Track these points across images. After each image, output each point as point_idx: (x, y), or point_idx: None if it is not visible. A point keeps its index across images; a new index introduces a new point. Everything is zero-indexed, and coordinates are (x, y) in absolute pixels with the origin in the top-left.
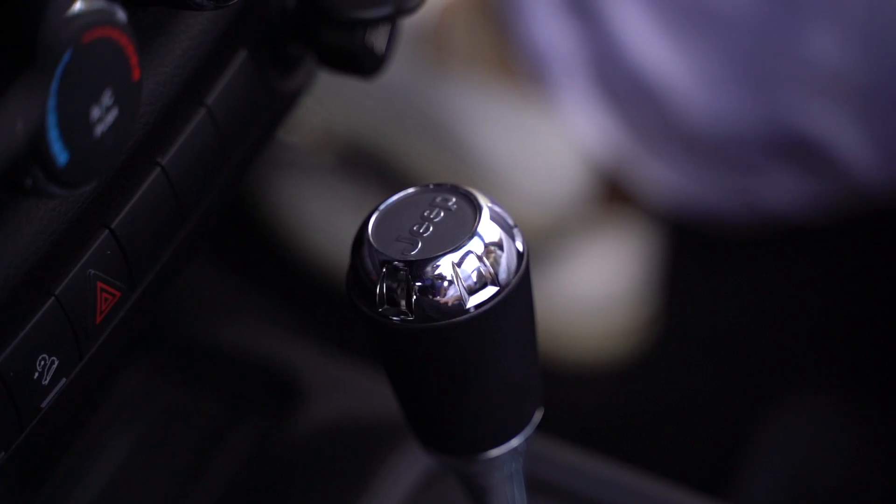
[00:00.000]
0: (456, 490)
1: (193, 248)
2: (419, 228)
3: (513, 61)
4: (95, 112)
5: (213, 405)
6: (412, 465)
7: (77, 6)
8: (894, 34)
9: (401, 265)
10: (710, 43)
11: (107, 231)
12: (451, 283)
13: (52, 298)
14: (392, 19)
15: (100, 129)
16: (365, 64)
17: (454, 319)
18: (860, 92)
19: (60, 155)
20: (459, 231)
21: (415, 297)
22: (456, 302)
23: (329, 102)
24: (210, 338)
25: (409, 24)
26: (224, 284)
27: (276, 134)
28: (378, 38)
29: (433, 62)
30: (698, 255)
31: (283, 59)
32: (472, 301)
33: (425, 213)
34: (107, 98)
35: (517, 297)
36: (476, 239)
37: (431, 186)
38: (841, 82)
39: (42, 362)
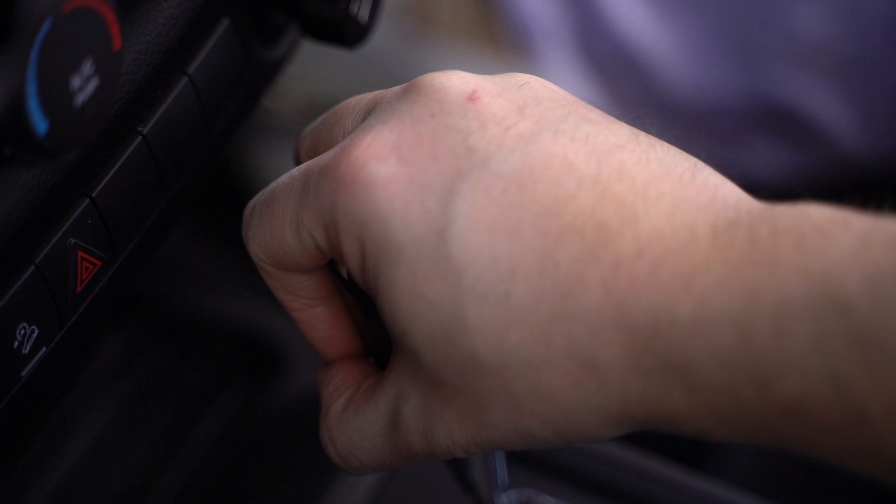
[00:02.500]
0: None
1: (175, 217)
2: None
3: (497, 31)
4: (76, 81)
5: (195, 373)
6: None
7: None
8: (877, 5)
9: None
10: (693, 13)
11: (87, 200)
12: None
13: (33, 267)
14: None
15: (80, 99)
16: (348, 34)
17: None
18: (843, 63)
19: (40, 124)
20: None
21: None
22: None
23: (312, 71)
24: (192, 306)
25: None
26: (206, 252)
27: (258, 103)
28: (362, 8)
29: (417, 32)
30: None
31: (265, 28)
32: None
33: None
34: (87, 67)
35: None
36: None
37: None
38: (824, 53)
39: (22, 331)
